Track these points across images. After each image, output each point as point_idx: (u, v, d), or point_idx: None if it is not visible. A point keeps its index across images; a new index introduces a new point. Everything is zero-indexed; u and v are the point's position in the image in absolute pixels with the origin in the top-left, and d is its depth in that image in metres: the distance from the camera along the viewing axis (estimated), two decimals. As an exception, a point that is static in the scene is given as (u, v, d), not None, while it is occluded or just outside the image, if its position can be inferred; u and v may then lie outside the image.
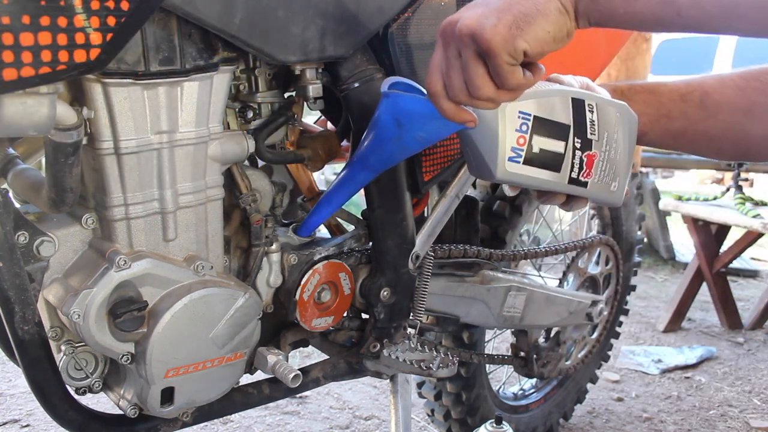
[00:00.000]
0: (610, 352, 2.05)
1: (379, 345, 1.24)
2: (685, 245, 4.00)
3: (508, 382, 2.00)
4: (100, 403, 1.28)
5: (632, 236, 1.93)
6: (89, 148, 0.89)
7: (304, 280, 1.12)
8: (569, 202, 0.91)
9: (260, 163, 1.20)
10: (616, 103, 0.89)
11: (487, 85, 0.73)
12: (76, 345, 0.97)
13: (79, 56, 0.76)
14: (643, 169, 4.52)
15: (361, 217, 1.21)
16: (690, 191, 3.98)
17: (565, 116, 0.85)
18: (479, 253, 1.36)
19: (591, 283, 1.77)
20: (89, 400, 1.05)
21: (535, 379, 1.96)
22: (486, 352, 1.69)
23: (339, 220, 1.25)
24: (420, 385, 1.78)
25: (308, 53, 0.99)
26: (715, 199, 2.80)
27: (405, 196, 1.18)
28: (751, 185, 5.96)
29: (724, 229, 2.84)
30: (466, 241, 1.40)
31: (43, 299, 0.94)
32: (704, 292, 2.97)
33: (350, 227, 1.23)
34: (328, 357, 1.28)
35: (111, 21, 0.76)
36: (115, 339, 0.93)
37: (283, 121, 1.07)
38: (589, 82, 0.91)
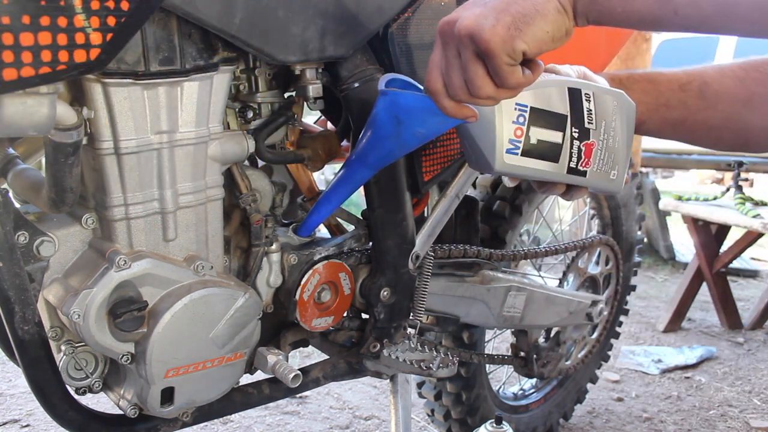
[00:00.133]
0: (610, 352, 2.05)
1: (379, 345, 1.24)
2: (685, 245, 4.00)
3: (508, 382, 2.00)
4: (100, 403, 1.28)
5: (632, 236, 1.93)
6: (89, 148, 0.89)
7: (304, 280, 1.12)
8: (569, 191, 0.91)
9: (260, 163, 1.20)
10: (612, 91, 0.89)
11: (487, 84, 0.73)
12: (76, 345, 0.97)
13: (79, 56, 0.76)
14: (643, 169, 4.53)
15: (361, 217, 1.21)
16: (690, 191, 3.98)
17: (562, 106, 0.85)
18: (479, 253, 1.36)
19: (591, 283, 1.77)
20: (89, 400, 1.05)
21: (535, 379, 1.96)
22: (486, 352, 1.68)
23: (339, 220, 1.25)
24: (420, 385, 1.78)
25: (308, 53, 0.99)
26: (715, 199, 2.80)
27: (405, 196, 1.18)
28: (751, 185, 5.97)
29: (724, 229, 2.84)
30: (466, 241, 1.40)
31: (43, 299, 0.94)
32: (704, 292, 2.97)
33: (350, 227, 1.23)
34: (328, 357, 1.27)
35: (111, 21, 0.76)
36: (115, 339, 0.92)
37: (283, 121, 1.07)
38: (587, 71, 0.91)
